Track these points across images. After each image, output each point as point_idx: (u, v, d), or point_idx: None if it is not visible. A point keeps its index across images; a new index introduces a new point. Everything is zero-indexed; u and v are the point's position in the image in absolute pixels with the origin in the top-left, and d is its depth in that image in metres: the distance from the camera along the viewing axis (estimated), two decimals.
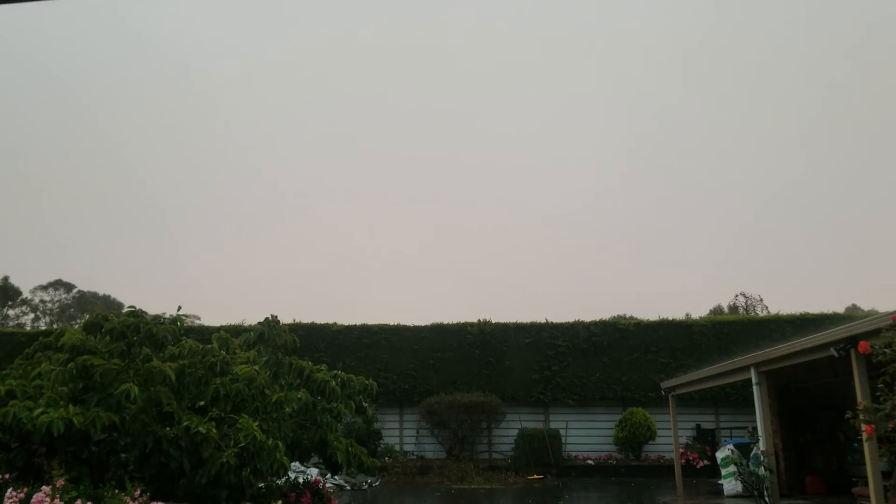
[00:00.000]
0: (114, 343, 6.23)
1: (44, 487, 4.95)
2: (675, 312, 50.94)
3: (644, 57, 65.78)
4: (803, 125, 67.46)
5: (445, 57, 69.85)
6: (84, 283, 63.84)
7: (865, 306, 44.03)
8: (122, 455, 5.58)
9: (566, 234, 74.40)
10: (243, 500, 5.91)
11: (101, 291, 60.46)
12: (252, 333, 7.48)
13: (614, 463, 21.21)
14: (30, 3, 2.90)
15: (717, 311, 48.02)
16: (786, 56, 64.40)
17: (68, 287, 59.38)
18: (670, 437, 17.45)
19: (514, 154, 68.64)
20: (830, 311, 23.66)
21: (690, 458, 20.28)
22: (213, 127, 73.49)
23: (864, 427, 8.36)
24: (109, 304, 57.04)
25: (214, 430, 5.71)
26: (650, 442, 21.35)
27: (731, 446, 15.31)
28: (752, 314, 39.78)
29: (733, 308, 48.17)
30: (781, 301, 73.75)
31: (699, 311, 58.13)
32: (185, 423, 5.68)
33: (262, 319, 7.66)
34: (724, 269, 70.15)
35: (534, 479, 19.68)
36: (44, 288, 58.23)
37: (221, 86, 70.17)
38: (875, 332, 8.31)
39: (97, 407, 5.61)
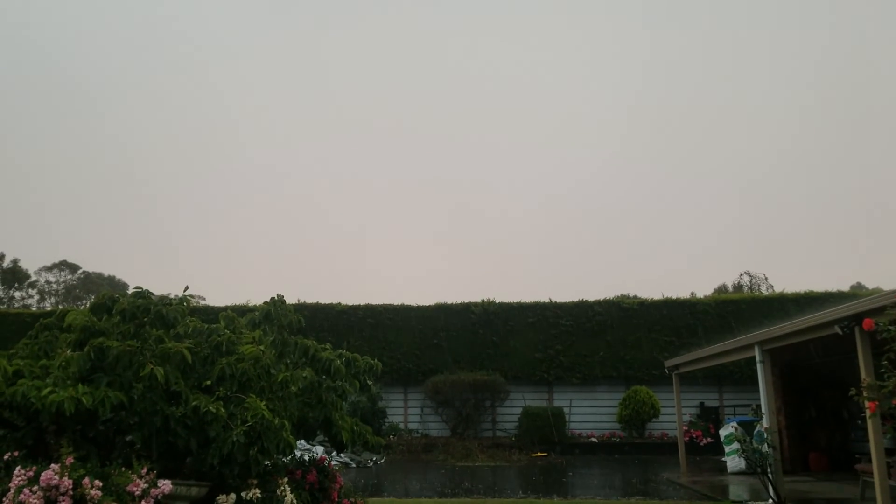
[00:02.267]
0: (124, 324, 6.24)
1: (52, 465, 4.99)
2: (680, 292, 50.96)
3: (644, 32, 65.23)
4: (807, 100, 66.99)
5: (445, 45, 69.39)
6: (89, 264, 64.09)
7: (870, 284, 44.00)
8: (129, 435, 5.62)
9: (570, 215, 74.32)
10: (250, 478, 5.95)
11: (107, 272, 60.67)
12: (258, 313, 7.49)
13: (618, 441, 21.34)
14: None
15: (722, 289, 48.06)
16: (783, 27, 63.79)
17: (73, 268, 59.60)
18: (674, 415, 17.54)
19: (518, 134, 68.37)
20: (835, 290, 23.66)
21: (694, 435, 20.39)
22: (220, 109, 73.31)
23: (867, 404, 8.39)
24: (114, 284, 57.25)
25: (223, 410, 5.75)
26: (654, 420, 21.47)
27: (734, 424, 15.38)
28: (757, 293, 39.77)
29: (738, 287, 48.20)
30: (786, 280, 73.83)
31: (704, 290, 58.20)
32: (194, 403, 5.70)
33: (267, 300, 7.67)
34: (728, 248, 70.10)
35: (537, 456, 19.82)
36: (49, 269, 58.46)
37: (227, 70, 69.83)
38: (880, 310, 8.31)
39: (107, 387, 5.64)
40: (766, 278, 48.22)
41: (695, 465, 17.14)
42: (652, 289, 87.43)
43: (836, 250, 71.35)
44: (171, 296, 6.92)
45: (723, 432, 15.98)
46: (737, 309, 23.35)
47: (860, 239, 72.05)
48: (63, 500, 4.82)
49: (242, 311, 10.57)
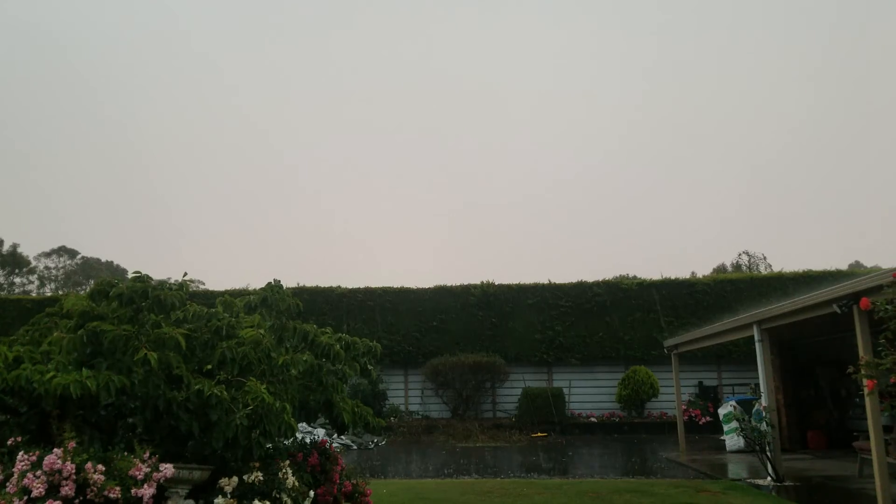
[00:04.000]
0: (122, 309, 6.24)
1: (55, 450, 5.01)
2: (679, 272, 50.94)
3: (650, 13, 64.76)
4: (806, 77, 66.68)
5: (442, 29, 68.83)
6: (88, 250, 64.06)
7: (868, 262, 44.07)
8: (130, 419, 5.64)
9: (570, 197, 74.20)
10: (252, 461, 5.99)
11: (105, 258, 60.65)
12: (254, 297, 7.49)
13: (617, 420, 21.46)
14: None
15: (721, 269, 48.10)
16: (790, 9, 63.36)
17: (72, 253, 59.55)
18: (673, 394, 17.62)
19: (518, 118, 68.10)
20: (833, 269, 23.71)
21: (693, 414, 20.50)
22: (219, 96, 72.91)
23: (865, 382, 8.43)
24: (113, 270, 57.26)
25: (226, 393, 5.77)
26: (653, 399, 21.58)
27: (733, 402, 15.46)
28: (756, 272, 39.82)
29: (736, 266, 48.26)
30: (785, 259, 73.89)
31: (703, 270, 58.25)
32: (196, 387, 5.72)
33: (265, 284, 7.68)
34: (727, 229, 70.08)
35: (538, 437, 19.94)
36: (48, 255, 58.41)
37: (226, 55, 69.35)
38: (877, 289, 8.33)
39: (108, 371, 5.66)
40: (765, 257, 48.33)
41: (694, 443, 17.25)
42: (651, 269, 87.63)
43: (834, 229, 71.39)
44: (171, 280, 6.93)
45: (721, 411, 16.07)
46: (735, 289, 23.39)
47: (858, 217, 72.05)
48: (66, 485, 4.85)
49: (241, 295, 10.58)
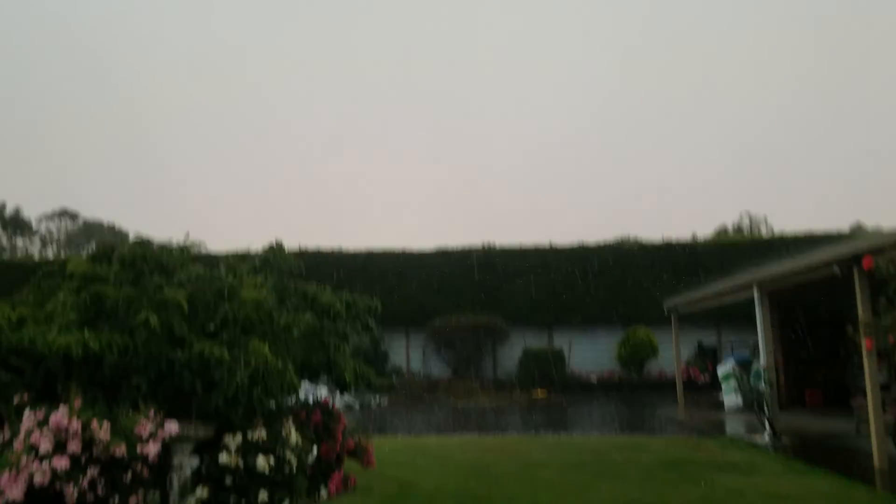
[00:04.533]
0: (124, 272, 6.28)
1: (62, 408, 5.07)
2: (681, 232, 50.95)
3: None
4: (807, 34, 65.79)
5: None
6: (90, 212, 64.02)
7: (870, 223, 43.98)
8: (135, 378, 5.71)
9: (570, 157, 73.81)
10: (255, 419, 6.07)
11: (107, 219, 60.59)
12: (257, 259, 7.53)
13: (617, 380, 21.65)
14: None
15: (722, 230, 48.06)
16: None
17: (73, 216, 59.50)
18: (672, 354, 17.75)
19: (517, 78, 67.39)
20: (835, 231, 23.64)
21: (692, 374, 20.68)
22: (222, 55, 72.10)
23: (864, 342, 8.49)
24: (115, 232, 57.30)
25: (227, 354, 5.83)
26: (652, 359, 21.72)
27: (732, 362, 15.58)
28: (757, 235, 39.82)
29: (738, 228, 48.21)
30: (786, 219, 73.73)
31: (705, 230, 58.19)
32: (197, 348, 5.78)
33: (270, 244, 7.71)
34: (729, 188, 69.83)
35: (538, 396, 20.15)
36: (49, 217, 58.39)
37: (228, 17, 68.38)
38: (878, 251, 8.35)
39: (110, 332, 5.71)
40: (767, 218, 48.24)
41: (693, 402, 17.43)
42: (652, 231, 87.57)
43: (836, 188, 71.07)
44: (173, 241, 6.95)
45: (720, 370, 16.21)
46: (736, 250, 23.37)
47: (860, 176, 71.68)
48: (72, 442, 4.93)
49: (243, 257, 10.61)
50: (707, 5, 64.79)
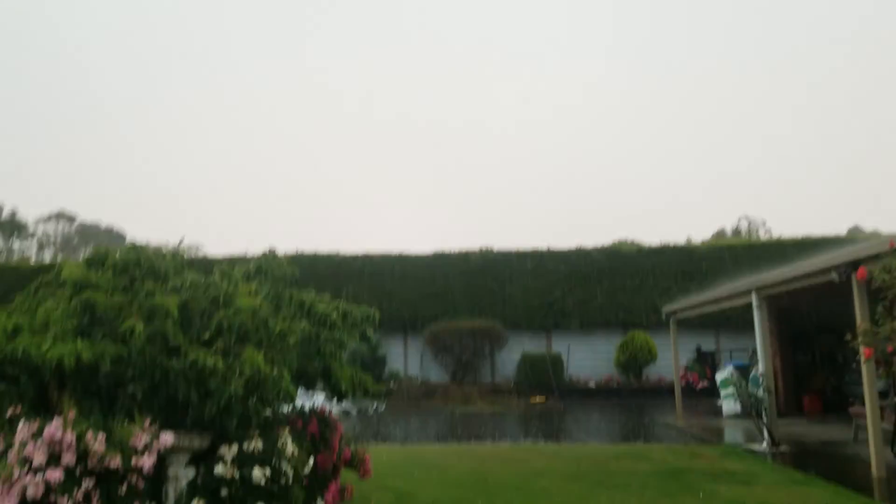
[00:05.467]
0: (116, 278, 6.22)
1: (55, 419, 5.02)
2: (679, 236, 50.96)
3: None
4: (807, 39, 65.94)
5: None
6: (86, 214, 63.94)
7: (867, 226, 44.05)
8: (130, 387, 5.65)
9: (568, 162, 73.85)
10: (251, 428, 6.02)
11: (104, 222, 60.49)
12: (251, 266, 7.48)
13: (615, 385, 21.62)
14: None
15: (721, 234, 48.13)
16: None
17: (70, 218, 59.38)
18: (671, 359, 17.72)
19: (517, 82, 67.43)
20: (832, 235, 23.69)
21: (690, 379, 20.66)
22: (222, 59, 72.09)
23: (863, 349, 8.46)
24: (112, 235, 57.21)
25: (221, 363, 5.77)
26: (651, 364, 21.71)
27: (730, 368, 15.55)
28: (755, 239, 39.83)
29: (736, 231, 48.28)
30: (784, 222, 73.83)
31: (703, 234, 58.22)
32: (192, 357, 5.72)
33: (264, 250, 7.67)
34: (727, 192, 69.88)
35: (536, 401, 20.11)
36: (46, 220, 58.26)
37: (227, 19, 68.34)
38: (875, 257, 8.32)
39: (104, 340, 5.66)
40: (765, 222, 48.32)
41: (691, 408, 17.41)
42: (650, 234, 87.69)
43: (834, 191, 71.18)
44: (168, 246, 6.91)
45: (719, 376, 16.17)
46: (735, 254, 23.39)
47: (858, 180, 71.82)
48: (67, 454, 4.88)
49: (239, 261, 10.59)
50: (707, 12, 64.88)
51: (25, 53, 72.46)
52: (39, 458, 4.81)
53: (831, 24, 64.66)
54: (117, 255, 6.32)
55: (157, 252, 6.66)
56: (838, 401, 15.27)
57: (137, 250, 6.48)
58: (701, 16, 64.89)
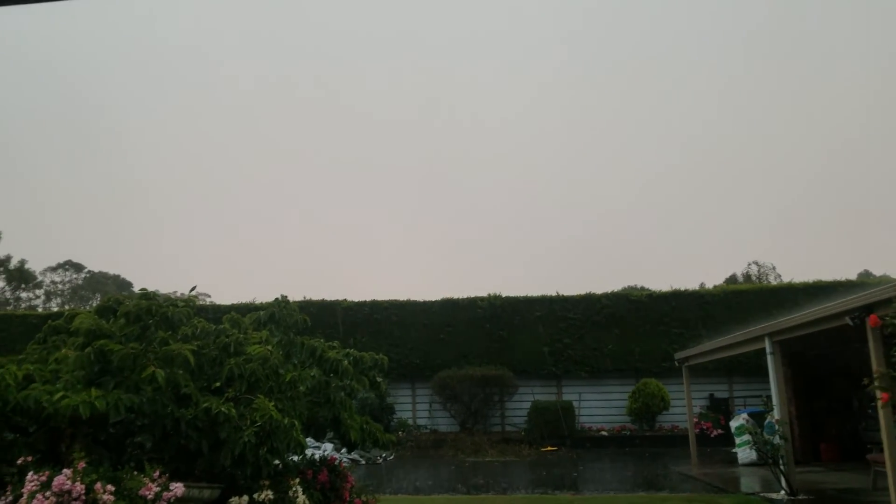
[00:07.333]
0: (129, 326, 6.23)
1: (64, 470, 4.98)
2: (689, 283, 50.77)
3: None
4: (812, 88, 66.65)
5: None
6: (94, 264, 64.34)
7: (877, 271, 43.81)
8: (140, 437, 5.61)
9: (577, 207, 74.13)
10: (262, 479, 5.95)
11: (112, 272, 60.81)
12: (263, 314, 7.48)
13: (628, 433, 21.30)
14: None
15: (732, 280, 47.95)
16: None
17: (78, 268, 59.74)
18: (684, 407, 17.50)
19: (524, 125, 68.24)
20: (843, 279, 23.54)
21: (704, 427, 20.34)
22: (222, 107, 73.37)
23: (880, 394, 8.33)
24: (120, 284, 57.44)
25: (234, 411, 5.74)
26: (664, 412, 21.40)
27: (745, 415, 15.33)
28: (765, 283, 39.66)
29: (747, 277, 48.11)
30: (794, 268, 73.52)
31: (713, 280, 57.98)
32: (204, 405, 5.69)
33: (272, 298, 7.67)
34: (737, 239, 69.81)
35: (548, 450, 19.80)
36: (54, 269, 58.62)
37: (225, 67, 69.79)
38: (888, 301, 8.27)
39: (116, 390, 5.64)
40: (774, 267, 48.20)
41: (706, 456, 17.11)
42: (660, 281, 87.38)
43: (842, 237, 71.04)
44: (178, 294, 6.92)
45: (733, 424, 15.94)
46: (746, 300, 23.24)
47: (867, 225, 71.71)
48: None
49: (248, 309, 10.58)
50: (726, 67, 65.83)
51: (30, 103, 73.91)
52: None
53: (840, 72, 65.44)
54: (130, 304, 6.34)
55: (168, 300, 6.68)
56: (856, 447, 14.97)
57: (149, 298, 6.50)
58: (708, 71, 65.77)
